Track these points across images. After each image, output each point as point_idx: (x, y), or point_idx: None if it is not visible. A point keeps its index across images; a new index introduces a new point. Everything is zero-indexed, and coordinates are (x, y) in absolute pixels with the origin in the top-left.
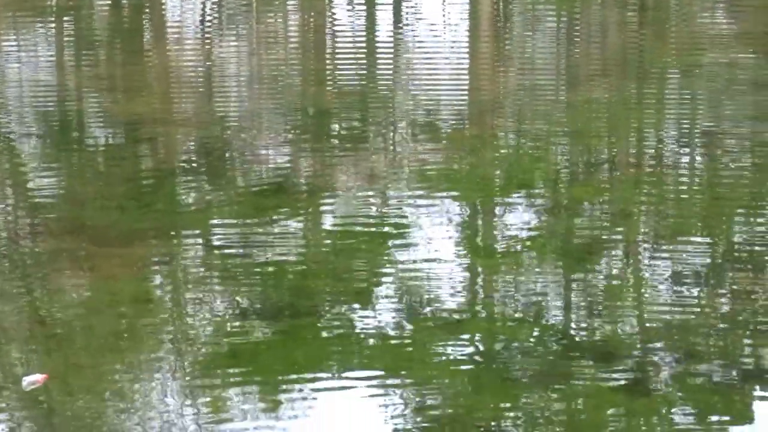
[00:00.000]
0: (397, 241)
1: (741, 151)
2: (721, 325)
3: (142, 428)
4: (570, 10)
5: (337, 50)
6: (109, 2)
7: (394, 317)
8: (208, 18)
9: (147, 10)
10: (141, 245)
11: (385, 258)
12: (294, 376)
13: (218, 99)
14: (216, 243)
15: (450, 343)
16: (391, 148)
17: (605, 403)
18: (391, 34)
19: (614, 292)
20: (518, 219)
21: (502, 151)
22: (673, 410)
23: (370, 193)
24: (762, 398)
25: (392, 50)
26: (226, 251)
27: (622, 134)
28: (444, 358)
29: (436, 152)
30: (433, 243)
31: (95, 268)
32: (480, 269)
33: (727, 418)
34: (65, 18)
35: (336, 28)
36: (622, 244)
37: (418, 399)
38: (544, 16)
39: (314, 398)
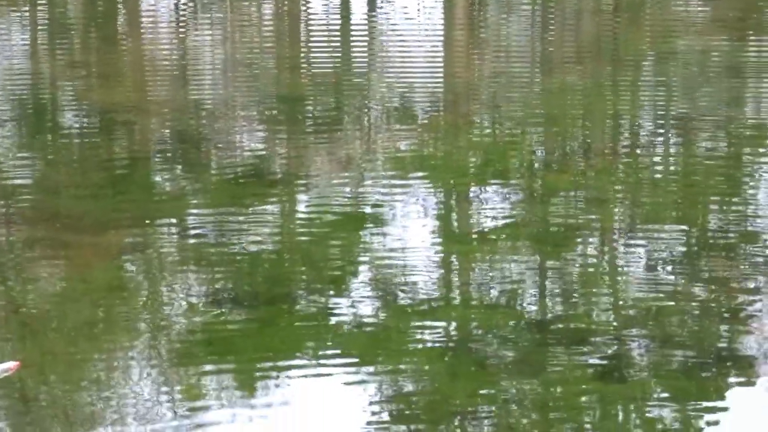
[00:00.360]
0: (372, 228)
1: (716, 137)
2: (696, 311)
3: (118, 416)
4: None
5: (311, 36)
6: None
7: (369, 303)
8: (182, 4)
9: None
10: (116, 233)
11: (360, 244)
12: (269, 363)
13: (193, 86)
14: (191, 230)
15: (425, 329)
16: (366, 134)
17: (580, 389)
18: (366, 19)
19: (589, 278)
20: (493, 205)
21: (477, 137)
22: (647, 396)
23: (345, 179)
24: (736, 384)
25: (367, 36)
26: (201, 239)
27: (598, 121)
28: (419, 344)
29: (411, 138)
30: (409, 229)
31: (70, 256)
32: (455, 256)
33: (701, 403)
34: (39, 4)
35: (310, 13)
36: (598, 230)
37: (393, 385)
38: (519, 2)
39: (290, 385)
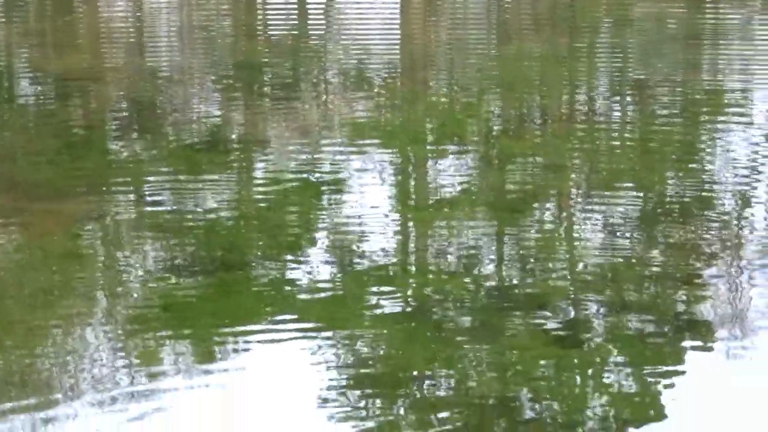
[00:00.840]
0: (329, 194)
1: (673, 103)
2: (653, 276)
3: (74, 383)
4: None
5: (268, 2)
6: None
7: (326, 269)
8: None
9: None
10: (73, 201)
11: (317, 210)
12: (226, 329)
13: (149, 52)
14: (148, 197)
15: (382, 295)
16: (323, 100)
17: (537, 353)
18: None
19: (547, 243)
20: (450, 171)
21: (434, 103)
22: (605, 361)
23: (302, 145)
24: (693, 348)
25: (324, 2)
26: (158, 205)
27: (554, 87)
28: (376, 310)
29: (368, 104)
30: (365, 195)
31: (26, 224)
32: (412, 221)
33: (658, 368)
34: None
35: None
36: (555, 196)
37: (350, 351)
38: None
39: (247, 351)
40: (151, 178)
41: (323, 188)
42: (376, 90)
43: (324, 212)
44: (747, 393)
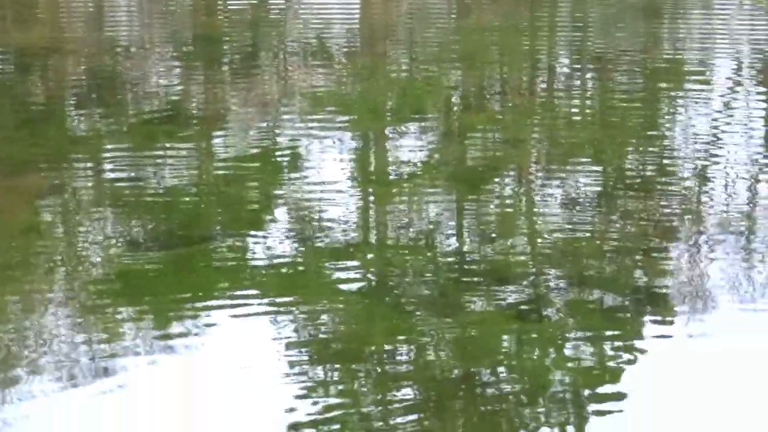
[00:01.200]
0: (289, 168)
1: (632, 76)
2: (613, 250)
3: (34, 358)
4: None
5: None
6: None
7: (286, 244)
8: None
9: None
10: (32, 175)
11: (278, 185)
12: (186, 304)
13: (109, 25)
14: (108, 171)
15: (342, 269)
16: (283, 73)
17: (498, 329)
18: None
19: (507, 217)
20: (411, 145)
21: (394, 76)
22: (565, 334)
23: (262, 118)
24: (654, 321)
25: None
26: (119, 180)
27: (515, 60)
28: (336, 284)
29: (328, 78)
30: (326, 170)
31: None
32: (372, 196)
33: (619, 341)
34: None
35: None
36: (515, 169)
37: (310, 326)
38: None
39: (207, 326)
40: (111, 152)
41: (283, 162)
42: (336, 63)
43: (284, 186)
44: (706, 365)
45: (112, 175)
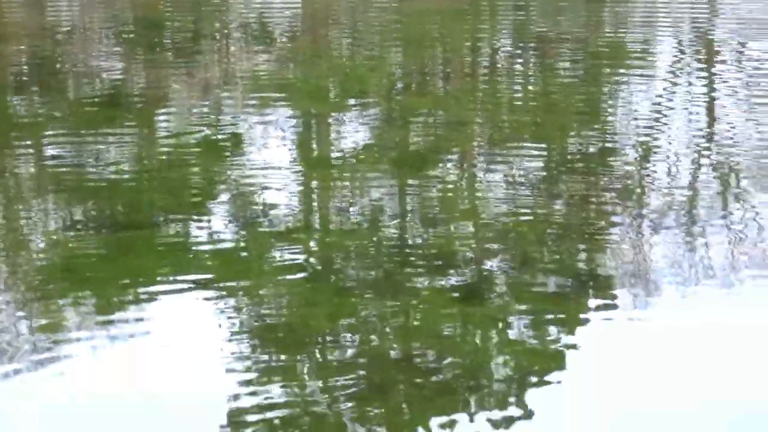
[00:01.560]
0: (232, 152)
1: (574, 58)
2: (556, 232)
3: None
4: None
5: None
6: None
7: (229, 228)
8: None
9: None
10: None
11: (220, 168)
12: (129, 289)
13: (50, 9)
14: (48, 155)
15: (285, 253)
16: (225, 57)
17: (441, 312)
18: None
19: (450, 200)
20: (353, 128)
21: (337, 60)
22: (508, 317)
23: (204, 103)
24: (596, 302)
25: None
26: (60, 165)
27: (457, 43)
28: (279, 268)
29: (270, 61)
30: (268, 153)
31: None
32: (315, 179)
33: (561, 323)
34: None
35: None
36: (458, 152)
37: (254, 310)
38: None
39: (149, 311)
40: (52, 136)
41: (225, 145)
42: (277, 45)
43: (226, 169)
44: (648, 345)
45: (52, 158)
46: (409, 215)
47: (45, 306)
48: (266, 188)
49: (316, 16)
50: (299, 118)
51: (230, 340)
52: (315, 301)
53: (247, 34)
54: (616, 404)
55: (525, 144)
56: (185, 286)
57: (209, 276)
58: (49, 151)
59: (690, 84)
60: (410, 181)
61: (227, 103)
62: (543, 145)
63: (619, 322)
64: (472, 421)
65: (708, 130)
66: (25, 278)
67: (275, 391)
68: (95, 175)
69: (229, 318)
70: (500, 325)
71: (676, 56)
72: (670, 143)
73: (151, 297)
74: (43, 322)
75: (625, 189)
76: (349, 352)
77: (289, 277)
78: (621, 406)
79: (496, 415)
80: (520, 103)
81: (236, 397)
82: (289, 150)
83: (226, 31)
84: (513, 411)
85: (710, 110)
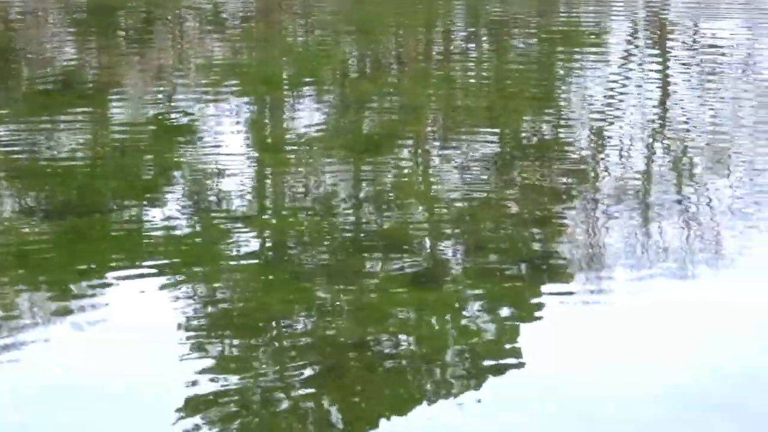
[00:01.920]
0: (185, 137)
1: (528, 42)
2: (510, 216)
3: None
4: None
5: None
6: None
7: (182, 213)
8: None
9: None
10: None
11: (173, 153)
12: (83, 275)
13: None
14: (1, 141)
15: (240, 238)
16: (178, 41)
17: (396, 295)
18: None
19: (404, 185)
20: (307, 113)
21: (290, 45)
22: (463, 301)
23: (158, 88)
24: (550, 287)
25: None
26: (13, 152)
27: (411, 28)
28: (234, 253)
29: (223, 46)
30: (222, 138)
31: None
32: (268, 164)
33: (516, 307)
34: None
35: None
36: (412, 137)
37: (208, 295)
38: None
39: (103, 296)
40: (4, 122)
41: (179, 130)
42: (231, 30)
43: (180, 154)
44: (602, 327)
45: (5, 147)
46: (364, 200)
47: (0, 293)
48: (220, 173)
49: (269, 2)
50: (253, 103)
51: (186, 326)
52: (270, 286)
53: (201, 18)
54: (570, 385)
55: (479, 128)
56: (140, 271)
57: (164, 261)
58: (1, 137)
59: (643, 66)
60: (364, 166)
61: (181, 88)
62: (497, 130)
63: (574, 304)
64: (426, 404)
65: (662, 112)
66: None
67: (231, 376)
68: (48, 160)
69: (185, 304)
70: (455, 308)
71: (629, 38)
72: (623, 126)
73: (106, 283)
74: None
75: (579, 172)
76: (304, 336)
77: (243, 262)
78: (576, 387)
79: (451, 398)
80: (474, 87)
81: (193, 383)
82: (243, 135)
83: (179, 15)
84: (467, 394)
85: (664, 92)
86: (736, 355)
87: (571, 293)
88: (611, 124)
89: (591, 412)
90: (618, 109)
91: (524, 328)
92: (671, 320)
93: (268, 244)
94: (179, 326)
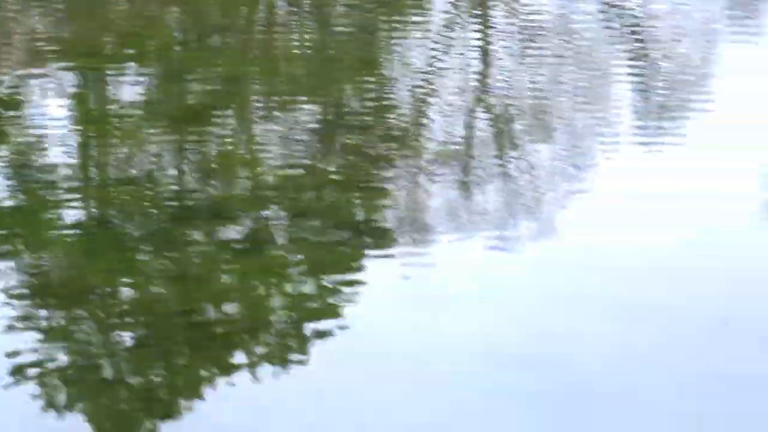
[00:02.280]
0: (7, 109)
1: (349, 14)
2: (333, 183)
3: None
4: None
5: None
6: None
7: (6, 185)
8: None
9: None
10: None
11: None
12: None
13: None
14: None
15: (63, 208)
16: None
17: (219, 263)
18: None
19: (227, 155)
20: (130, 85)
21: (112, 16)
22: (286, 268)
23: None
24: (373, 254)
25: None
26: None
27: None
28: (57, 223)
29: (45, 18)
30: (45, 111)
31: None
32: (91, 135)
33: (340, 275)
34: None
35: None
36: (235, 106)
37: (32, 265)
38: None
39: None
40: None
41: (2, 106)
42: (53, 2)
43: (3, 129)
44: (421, 291)
45: None
46: (187, 170)
47: None
48: (43, 145)
49: None
50: (75, 74)
51: (9, 296)
52: (94, 256)
53: None
54: (393, 347)
55: (302, 97)
56: None
57: None
58: None
59: (465, 31)
60: (187, 136)
61: (1, 60)
62: (320, 99)
63: (395, 267)
64: (252, 369)
65: (482, 77)
66: None
67: (55, 347)
68: None
69: (7, 275)
70: (279, 276)
71: (450, 3)
72: (445, 93)
73: None
74: None
75: (402, 139)
76: (128, 305)
77: (67, 231)
78: (397, 348)
79: (276, 364)
80: (296, 55)
81: (16, 353)
82: (66, 106)
83: None
84: (292, 360)
85: (485, 58)
86: (557, 315)
87: (392, 256)
88: (433, 90)
89: (413, 370)
90: (439, 75)
91: (347, 292)
92: (491, 281)
93: (92, 215)
94: (1, 297)
